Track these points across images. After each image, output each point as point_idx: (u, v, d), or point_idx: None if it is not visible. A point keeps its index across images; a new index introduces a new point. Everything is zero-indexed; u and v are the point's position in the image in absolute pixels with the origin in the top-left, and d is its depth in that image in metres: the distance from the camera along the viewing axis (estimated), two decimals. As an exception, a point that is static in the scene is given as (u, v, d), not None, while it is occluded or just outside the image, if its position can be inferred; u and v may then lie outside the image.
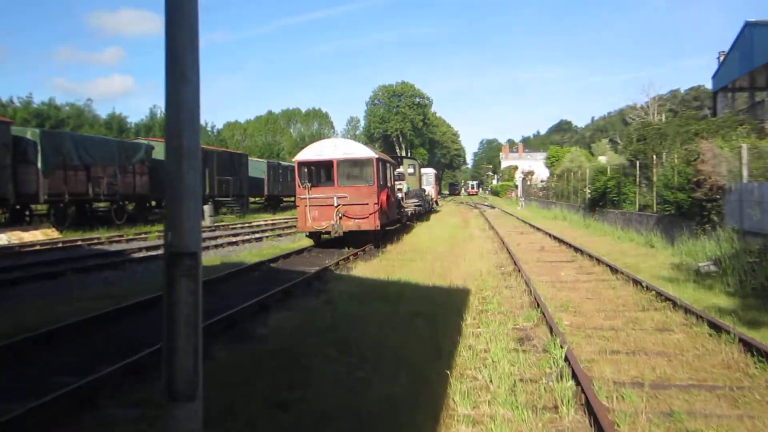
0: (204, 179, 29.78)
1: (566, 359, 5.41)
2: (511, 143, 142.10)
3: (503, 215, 34.64)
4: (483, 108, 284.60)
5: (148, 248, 15.95)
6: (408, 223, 23.03)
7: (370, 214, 15.19)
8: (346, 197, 15.27)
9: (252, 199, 40.06)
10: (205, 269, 11.69)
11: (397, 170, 24.22)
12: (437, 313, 7.11)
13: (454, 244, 16.43)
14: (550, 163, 53.92)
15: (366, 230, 15.34)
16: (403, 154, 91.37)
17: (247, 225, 26.02)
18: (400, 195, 22.30)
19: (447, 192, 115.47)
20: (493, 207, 47.59)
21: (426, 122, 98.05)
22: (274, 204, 40.53)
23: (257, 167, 37.86)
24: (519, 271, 10.94)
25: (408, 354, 5.40)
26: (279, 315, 7.45)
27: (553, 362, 5.46)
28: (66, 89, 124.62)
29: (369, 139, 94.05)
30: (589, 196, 25.68)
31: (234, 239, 18.90)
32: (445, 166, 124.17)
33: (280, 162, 44.06)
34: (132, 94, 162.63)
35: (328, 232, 15.46)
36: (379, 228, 15.50)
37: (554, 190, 37.48)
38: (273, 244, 17.50)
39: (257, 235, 20.13)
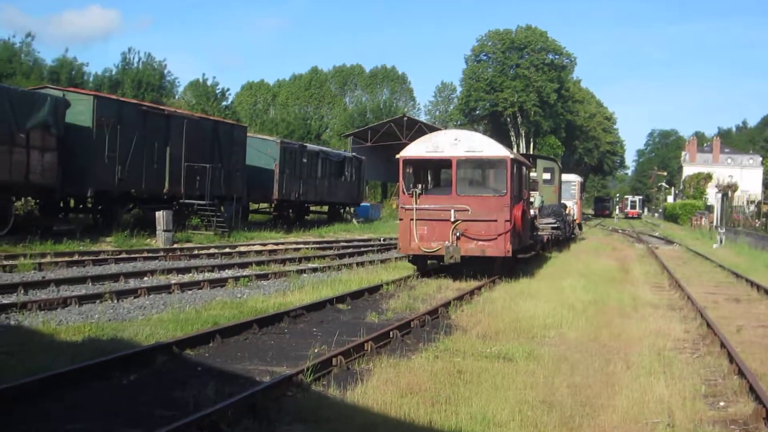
0: (153, 162, 28.60)
1: None
2: (701, 138, 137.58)
3: (691, 257, 33.91)
4: (655, 81, 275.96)
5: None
6: (541, 252, 26.19)
7: (500, 235, 17.94)
8: (467, 210, 18.03)
9: (253, 206, 39.69)
10: (23, 361, 8.84)
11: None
12: None
13: (604, 318, 14.51)
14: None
15: (492, 256, 18.34)
16: (523, 145, 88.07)
17: (224, 252, 25.23)
18: (532, 212, 24.88)
19: (591, 211, 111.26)
20: (670, 241, 46.96)
21: (563, 95, 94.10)
22: (292, 215, 39.95)
23: (262, 150, 36.81)
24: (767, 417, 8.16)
25: None
26: None
27: None
28: (17, 25, 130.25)
29: (467, 118, 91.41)
30: None
31: (175, 279, 17.75)
32: (590, 169, 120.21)
33: (306, 145, 42.59)
34: (117, 35, 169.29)
35: (440, 257, 18.32)
36: (509, 254, 18.30)
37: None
38: (239, 296, 16.15)
39: (222, 274, 19.30)
